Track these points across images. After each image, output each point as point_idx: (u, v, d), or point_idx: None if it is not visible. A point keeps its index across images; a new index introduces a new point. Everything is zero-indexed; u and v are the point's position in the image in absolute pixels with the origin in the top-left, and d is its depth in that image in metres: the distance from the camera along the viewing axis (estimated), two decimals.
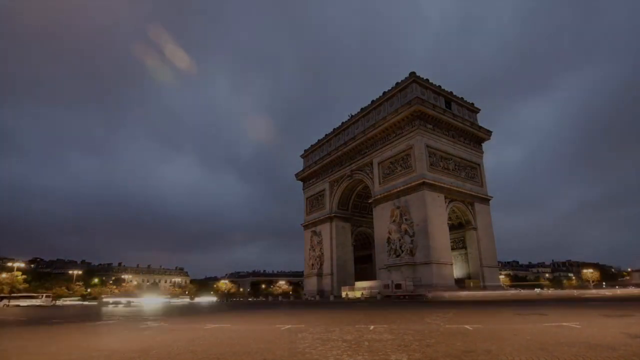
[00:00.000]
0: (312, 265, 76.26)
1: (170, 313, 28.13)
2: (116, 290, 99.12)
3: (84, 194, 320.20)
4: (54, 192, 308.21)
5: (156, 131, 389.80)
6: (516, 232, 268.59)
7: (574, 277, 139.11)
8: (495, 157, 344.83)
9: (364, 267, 76.18)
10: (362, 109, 69.16)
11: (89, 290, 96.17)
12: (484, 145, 65.62)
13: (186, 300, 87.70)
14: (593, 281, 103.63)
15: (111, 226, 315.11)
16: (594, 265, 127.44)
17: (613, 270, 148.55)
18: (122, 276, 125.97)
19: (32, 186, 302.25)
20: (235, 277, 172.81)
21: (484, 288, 54.13)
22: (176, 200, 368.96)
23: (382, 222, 57.85)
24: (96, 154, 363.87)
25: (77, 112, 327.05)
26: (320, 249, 74.91)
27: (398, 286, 49.69)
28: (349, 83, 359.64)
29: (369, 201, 64.49)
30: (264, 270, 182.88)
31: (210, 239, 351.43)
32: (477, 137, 63.77)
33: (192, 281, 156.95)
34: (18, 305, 53.39)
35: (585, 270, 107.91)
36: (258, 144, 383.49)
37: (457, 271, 57.86)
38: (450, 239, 55.18)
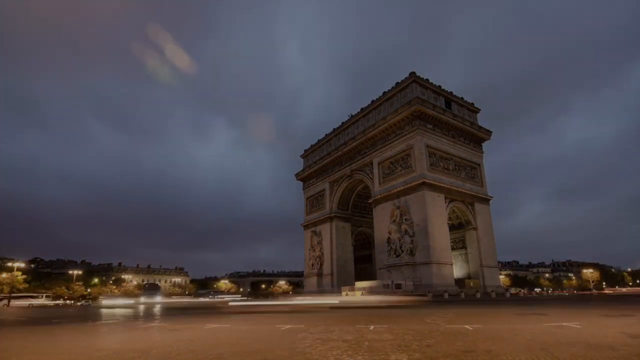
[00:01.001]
0: (312, 265, 76.25)
1: None
2: (116, 291, 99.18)
3: (101, 178, 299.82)
4: (68, 176, 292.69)
5: (200, 96, 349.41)
6: (517, 232, 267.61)
7: (574, 277, 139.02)
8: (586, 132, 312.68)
9: (364, 267, 76.12)
10: (362, 109, 69.17)
11: (89, 290, 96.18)
12: (485, 145, 65.60)
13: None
14: (593, 281, 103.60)
15: (121, 220, 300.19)
16: (594, 265, 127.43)
17: (613, 270, 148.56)
18: (122, 276, 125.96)
19: (47, 168, 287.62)
20: (235, 277, 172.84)
21: (484, 288, 54.14)
22: (203, 186, 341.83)
23: (382, 222, 57.82)
24: (124, 128, 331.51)
25: (115, 76, 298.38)
26: (320, 249, 74.88)
27: (398, 286, 49.67)
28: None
29: (369, 201, 64.44)
30: (264, 270, 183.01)
31: (226, 235, 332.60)
32: (477, 137, 63.74)
33: (192, 281, 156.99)
34: None
35: (585, 270, 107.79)
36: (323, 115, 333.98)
37: (457, 271, 57.83)
38: (450, 239, 55.13)
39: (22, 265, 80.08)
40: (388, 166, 59.84)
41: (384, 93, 63.54)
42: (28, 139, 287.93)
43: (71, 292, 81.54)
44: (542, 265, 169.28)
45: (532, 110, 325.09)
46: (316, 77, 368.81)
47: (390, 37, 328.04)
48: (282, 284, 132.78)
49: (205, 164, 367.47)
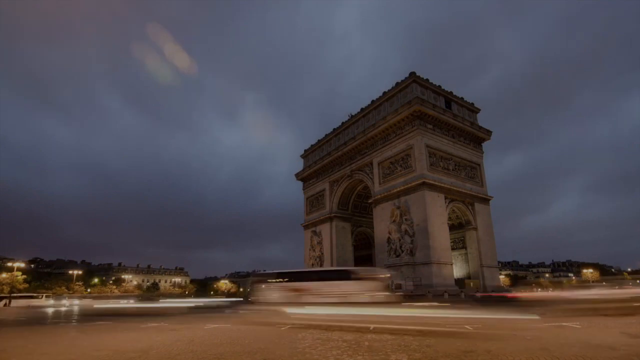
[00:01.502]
0: (312, 265, 76.29)
1: None
2: (116, 291, 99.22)
3: (114, 169, 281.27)
4: (79, 167, 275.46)
5: (236, 68, 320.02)
6: (516, 232, 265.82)
7: (574, 277, 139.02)
8: None
9: (364, 267, 76.16)
10: (362, 109, 69.28)
11: (89, 290, 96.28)
12: (484, 145, 65.63)
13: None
14: (593, 281, 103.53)
15: (129, 216, 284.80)
16: (594, 265, 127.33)
17: (613, 270, 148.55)
18: (122, 276, 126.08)
19: (56, 157, 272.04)
20: (235, 277, 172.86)
21: (484, 288, 54.13)
22: (220, 178, 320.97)
23: (382, 222, 57.83)
24: (146, 110, 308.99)
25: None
26: (320, 249, 74.94)
27: (398, 286, 49.71)
28: None
29: (369, 201, 64.45)
30: (264, 270, 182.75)
31: (237, 231, 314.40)
32: (477, 137, 63.76)
33: (192, 281, 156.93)
34: None
35: (585, 270, 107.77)
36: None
37: (457, 271, 57.86)
38: (450, 239, 55.12)
39: (22, 265, 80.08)
40: (388, 166, 59.89)
41: (384, 93, 63.66)
42: (38, 124, 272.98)
43: (71, 291, 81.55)
44: (542, 265, 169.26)
45: (592, 90, 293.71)
46: (368, 48, 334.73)
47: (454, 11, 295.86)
48: None
49: (228, 151, 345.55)
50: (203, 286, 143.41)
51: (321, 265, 73.73)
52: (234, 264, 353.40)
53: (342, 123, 75.07)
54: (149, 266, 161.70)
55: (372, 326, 12.81)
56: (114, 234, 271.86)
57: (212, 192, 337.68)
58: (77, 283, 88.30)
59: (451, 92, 62.67)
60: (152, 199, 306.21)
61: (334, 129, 77.36)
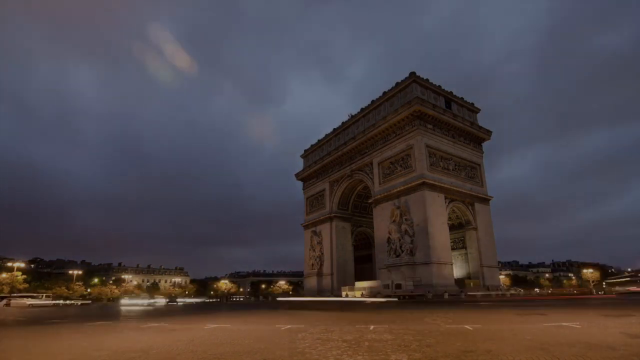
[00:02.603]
0: (312, 265, 76.27)
1: None
2: (116, 291, 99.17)
3: (150, 139, 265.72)
4: (106, 139, 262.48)
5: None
6: (516, 233, 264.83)
7: (574, 277, 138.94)
8: None
9: (364, 267, 76.14)
10: (362, 109, 69.30)
11: (89, 290, 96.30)
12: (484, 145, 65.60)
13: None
14: (593, 281, 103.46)
15: (148, 205, 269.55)
16: (594, 265, 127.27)
17: (613, 270, 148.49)
18: (122, 276, 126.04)
19: (81, 127, 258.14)
20: (235, 277, 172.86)
21: (484, 288, 54.11)
22: (261, 162, 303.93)
23: (382, 222, 57.84)
24: (204, 64, 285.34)
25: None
26: (320, 249, 74.90)
27: (398, 286, 49.70)
28: None
29: (369, 201, 64.48)
30: (264, 270, 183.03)
31: (270, 223, 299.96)
32: (477, 137, 63.77)
33: (192, 281, 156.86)
34: None
35: (585, 270, 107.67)
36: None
37: (457, 271, 57.86)
38: (450, 239, 55.15)
39: (22, 265, 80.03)
40: (388, 166, 59.86)
41: (384, 93, 63.64)
42: (68, 85, 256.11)
43: (71, 291, 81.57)
44: (542, 265, 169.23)
45: None
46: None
47: None
48: (282, 284, 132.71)
49: (280, 123, 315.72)
50: (203, 286, 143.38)
51: (321, 266, 73.72)
52: (249, 262, 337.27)
53: (342, 123, 75.14)
54: (149, 266, 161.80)
55: (372, 326, 12.80)
56: (118, 233, 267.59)
57: (250, 178, 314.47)
58: (77, 283, 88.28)
59: (451, 92, 62.67)
60: (187, 185, 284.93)
61: (334, 129, 77.42)
